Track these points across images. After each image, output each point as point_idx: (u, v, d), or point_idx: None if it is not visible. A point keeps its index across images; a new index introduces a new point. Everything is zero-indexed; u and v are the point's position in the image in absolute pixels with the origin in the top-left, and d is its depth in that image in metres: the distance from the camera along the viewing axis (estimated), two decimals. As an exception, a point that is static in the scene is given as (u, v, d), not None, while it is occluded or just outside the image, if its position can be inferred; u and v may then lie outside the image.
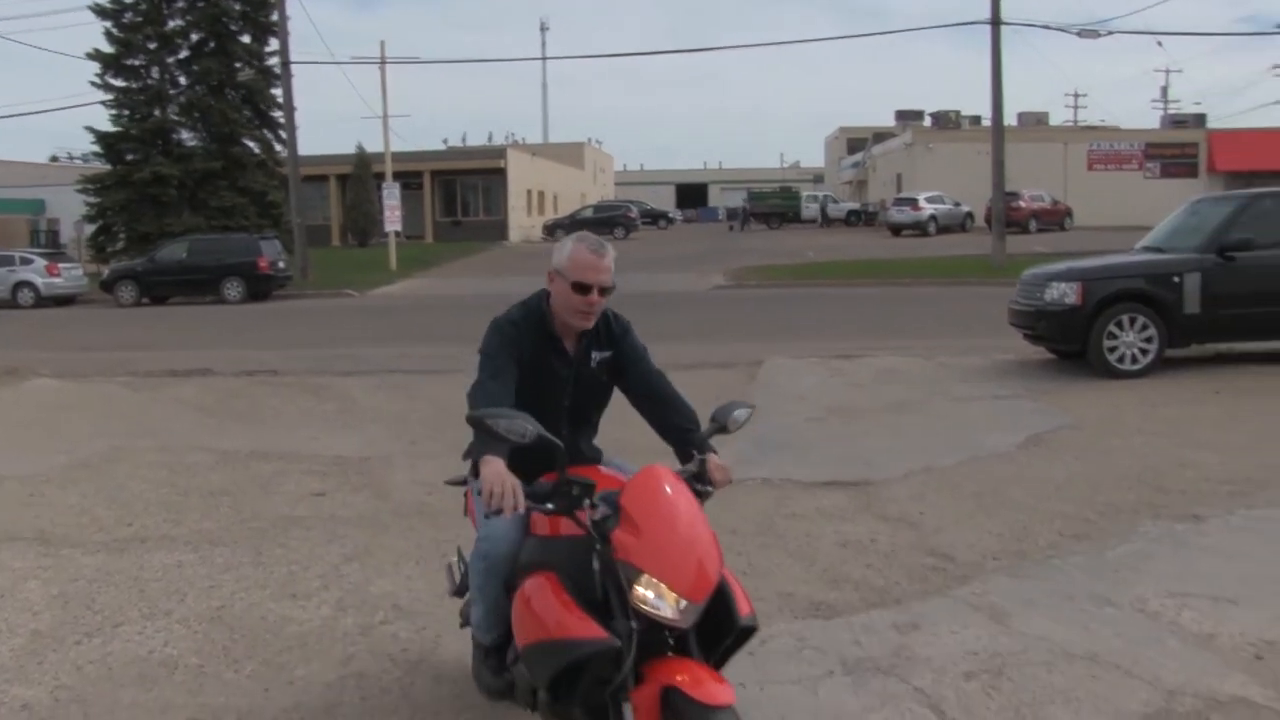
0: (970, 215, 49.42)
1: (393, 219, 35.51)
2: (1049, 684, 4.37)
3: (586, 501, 3.17)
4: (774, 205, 65.18)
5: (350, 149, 53.50)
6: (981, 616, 5.09)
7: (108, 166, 38.17)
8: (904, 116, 68.47)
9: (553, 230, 57.59)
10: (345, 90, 77.13)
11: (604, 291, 3.66)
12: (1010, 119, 39.83)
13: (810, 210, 64.96)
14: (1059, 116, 73.48)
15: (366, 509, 7.25)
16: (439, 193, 58.84)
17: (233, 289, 28.25)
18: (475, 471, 3.43)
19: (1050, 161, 55.13)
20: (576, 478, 3.18)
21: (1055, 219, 48.80)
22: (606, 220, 57.57)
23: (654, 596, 2.92)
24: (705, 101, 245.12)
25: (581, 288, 3.62)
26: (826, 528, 6.56)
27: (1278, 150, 55.10)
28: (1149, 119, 73.49)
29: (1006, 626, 4.97)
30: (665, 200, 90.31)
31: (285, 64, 33.94)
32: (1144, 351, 11.77)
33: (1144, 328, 11.77)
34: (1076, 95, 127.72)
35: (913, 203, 48.94)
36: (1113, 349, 11.76)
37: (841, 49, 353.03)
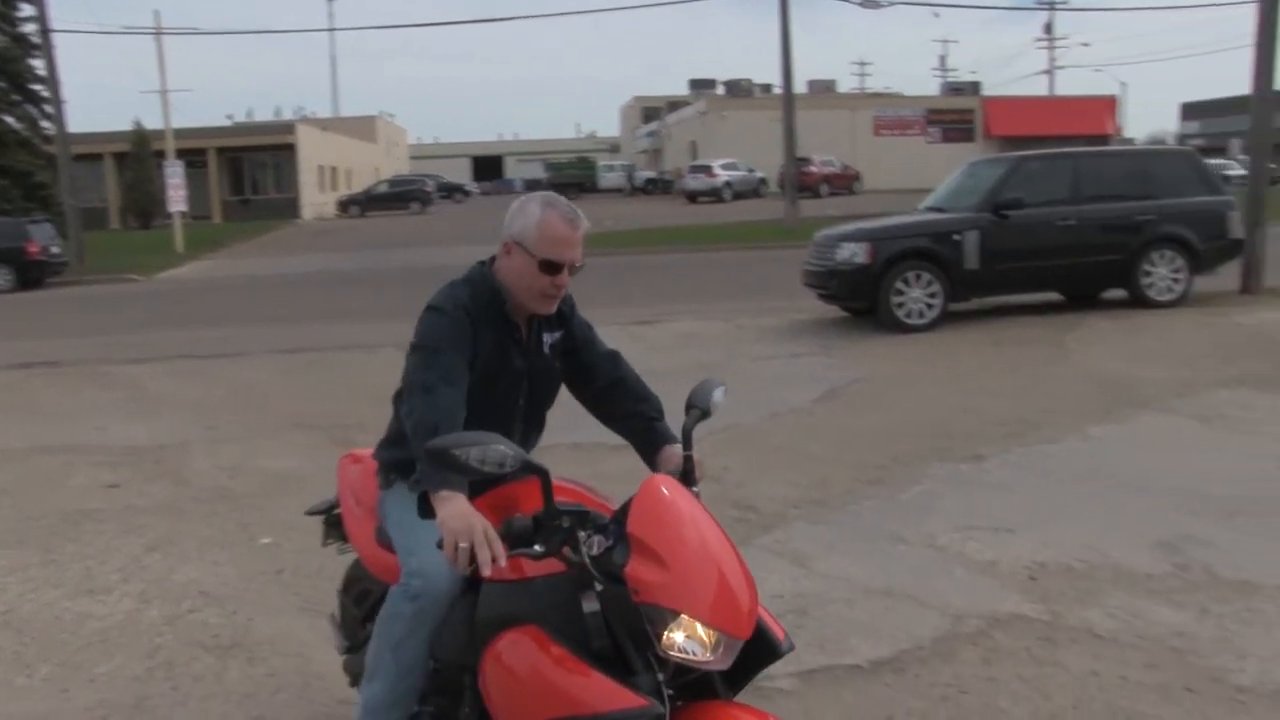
0: (764, 181, 50.71)
1: (177, 199, 33.90)
2: (850, 618, 4.63)
3: (581, 534, 2.52)
4: (571, 175, 65.34)
5: (128, 125, 50.71)
6: (785, 562, 5.32)
7: None
8: (698, 85, 69.68)
9: (346, 206, 56.34)
10: (118, 63, 74.05)
11: (573, 270, 2.97)
12: (800, 87, 40.83)
13: (609, 179, 65.39)
14: (847, 84, 76.01)
15: (165, 497, 7.02)
16: (226, 170, 56.65)
17: (1, 277, 26.62)
18: (423, 510, 2.71)
19: (839, 128, 57.00)
20: (567, 506, 2.56)
21: (845, 183, 50.57)
22: (402, 195, 56.80)
23: (684, 639, 2.34)
24: (499, 73, 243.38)
25: (551, 266, 2.91)
26: (636, 488, 6.68)
27: (1045, 116, 58.74)
28: (930, 86, 76.62)
29: (809, 569, 5.22)
30: (461, 173, 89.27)
31: (45, 32, 31.34)
32: (929, 306, 12.40)
33: (929, 284, 12.40)
34: (863, 64, 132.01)
35: (708, 170, 49.86)
36: (900, 305, 12.35)
37: (635, 18, 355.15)
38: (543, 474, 2.46)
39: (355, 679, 3.49)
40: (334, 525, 3.73)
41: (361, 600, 3.50)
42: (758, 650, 2.55)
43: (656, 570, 2.38)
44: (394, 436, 3.14)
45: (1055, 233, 12.73)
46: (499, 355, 2.98)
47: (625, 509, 2.54)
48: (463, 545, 2.41)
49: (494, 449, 2.37)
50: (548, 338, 3.12)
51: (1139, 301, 13.10)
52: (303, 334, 14.24)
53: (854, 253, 12.48)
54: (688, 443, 2.91)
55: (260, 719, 4.04)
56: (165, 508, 6.78)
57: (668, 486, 2.57)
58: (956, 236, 12.49)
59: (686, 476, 2.84)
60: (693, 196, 49.16)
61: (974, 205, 12.87)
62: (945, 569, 5.16)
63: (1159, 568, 5.07)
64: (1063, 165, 13.46)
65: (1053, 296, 14.00)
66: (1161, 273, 13.10)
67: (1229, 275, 14.01)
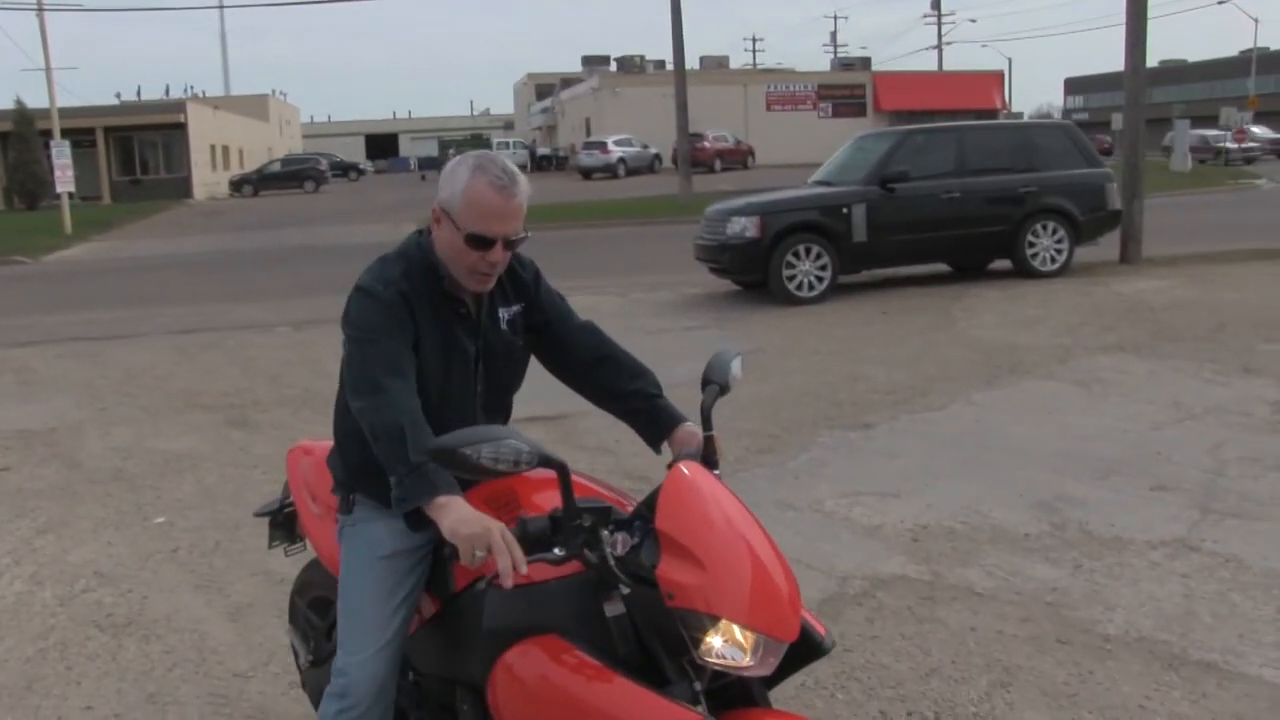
0: (658, 157, 50.95)
1: (64, 179, 32.85)
2: (740, 583, 4.75)
3: (604, 533, 2.27)
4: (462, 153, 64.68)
5: (8, 104, 48.98)
6: (679, 530, 5.43)
7: None
8: (590, 62, 69.41)
9: (240, 186, 55.21)
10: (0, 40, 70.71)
11: (510, 244, 2.57)
12: (693, 63, 41.19)
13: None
14: (739, 60, 76.50)
15: (57, 480, 6.90)
16: (115, 150, 55.00)
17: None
18: (415, 522, 2.40)
19: (732, 103, 57.41)
20: (589, 502, 2.29)
21: (739, 158, 50.95)
22: (295, 174, 55.88)
23: (723, 644, 2.10)
24: (392, 51, 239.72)
25: (479, 240, 2.52)
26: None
27: (933, 91, 59.91)
28: (821, 62, 77.58)
29: (702, 536, 5.33)
30: (355, 152, 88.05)
31: (-80, 10, 30.42)
32: (819, 279, 12.66)
33: (818, 257, 12.64)
34: (755, 39, 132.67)
35: (602, 146, 49.85)
36: (791, 278, 12.58)
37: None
38: (561, 468, 2.20)
39: (316, 697, 3.24)
40: (280, 526, 3.50)
41: (322, 609, 3.26)
42: (798, 648, 2.30)
43: (692, 571, 2.13)
44: (343, 451, 2.82)
45: (941, 205, 13.07)
46: (444, 337, 2.63)
47: (650, 502, 2.30)
48: (480, 554, 2.16)
49: (507, 444, 2.12)
50: (504, 312, 2.75)
51: (1023, 272, 13.53)
52: (197, 315, 14.01)
53: (744, 227, 12.65)
54: (708, 422, 2.65)
55: (156, 695, 4.03)
56: (57, 490, 6.67)
57: (696, 474, 2.31)
58: (845, 210, 12.74)
59: (708, 460, 2.60)
60: (587, 173, 49.09)
61: (861, 179, 13.14)
62: (832, 533, 5.33)
63: (1036, 527, 5.30)
64: (947, 139, 13.81)
65: (941, 268, 14.39)
66: (1044, 243, 13.54)
67: (1109, 246, 14.53)
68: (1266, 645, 4.02)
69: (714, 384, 2.70)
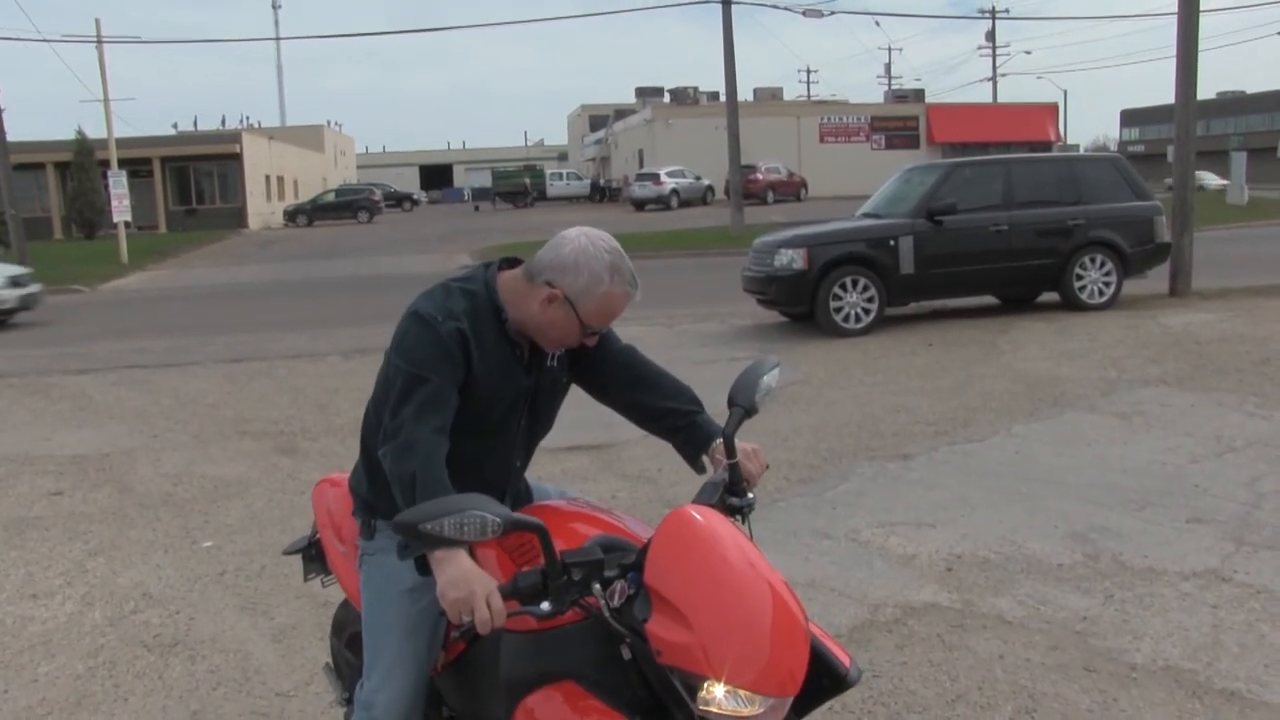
0: (710, 189, 51.12)
1: (120, 208, 33.58)
2: (772, 610, 4.81)
3: (595, 585, 2.21)
4: (518, 184, 65.06)
5: (69, 134, 50.01)
6: (714, 557, 5.50)
7: None
8: (644, 93, 69.86)
9: (294, 216, 56.05)
10: (59, 71, 73.09)
11: (596, 336, 2.65)
12: (746, 94, 41.49)
13: (557, 188, 65.12)
14: (793, 92, 76.65)
15: (109, 504, 7.09)
16: (171, 180, 56.09)
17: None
18: (423, 568, 2.43)
19: (785, 135, 57.54)
20: (577, 556, 2.21)
21: (791, 190, 51.01)
22: (349, 204, 56.61)
23: (726, 695, 2.05)
24: (447, 82, 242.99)
25: (595, 334, 2.62)
26: (571, 488, 6.83)
27: (987, 122, 59.70)
28: (875, 94, 77.72)
29: (736, 564, 5.39)
30: (409, 182, 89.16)
31: (-14, 42, 31.09)
32: (866, 311, 12.70)
33: (865, 289, 12.69)
34: (809, 71, 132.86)
35: (654, 178, 50.09)
36: (838, 309, 12.63)
37: (580, 26, 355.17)
38: (538, 530, 2.12)
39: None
40: (313, 560, 3.48)
41: (358, 647, 3.13)
42: (822, 679, 2.31)
43: (679, 629, 2.07)
44: (367, 466, 2.79)
45: (988, 238, 13.07)
46: (500, 375, 2.58)
47: (645, 553, 2.23)
48: (466, 618, 2.18)
49: (472, 515, 2.03)
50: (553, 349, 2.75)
51: (1071, 304, 13.48)
52: (247, 343, 14.29)
53: (791, 259, 12.73)
54: (731, 450, 2.54)
55: (200, 712, 4.16)
56: (109, 514, 6.86)
57: (692, 522, 2.21)
58: (892, 242, 12.78)
59: (734, 487, 2.53)
60: (640, 204, 49.36)
61: (909, 211, 13.18)
62: (867, 562, 5.38)
63: (1070, 557, 5.31)
64: (995, 171, 13.81)
65: (989, 300, 14.37)
66: (1093, 276, 13.48)
67: (1158, 279, 14.43)
68: (1292, 677, 4.02)
69: (739, 407, 2.59)
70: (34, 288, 19.15)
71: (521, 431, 2.75)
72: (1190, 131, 15.07)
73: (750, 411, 2.60)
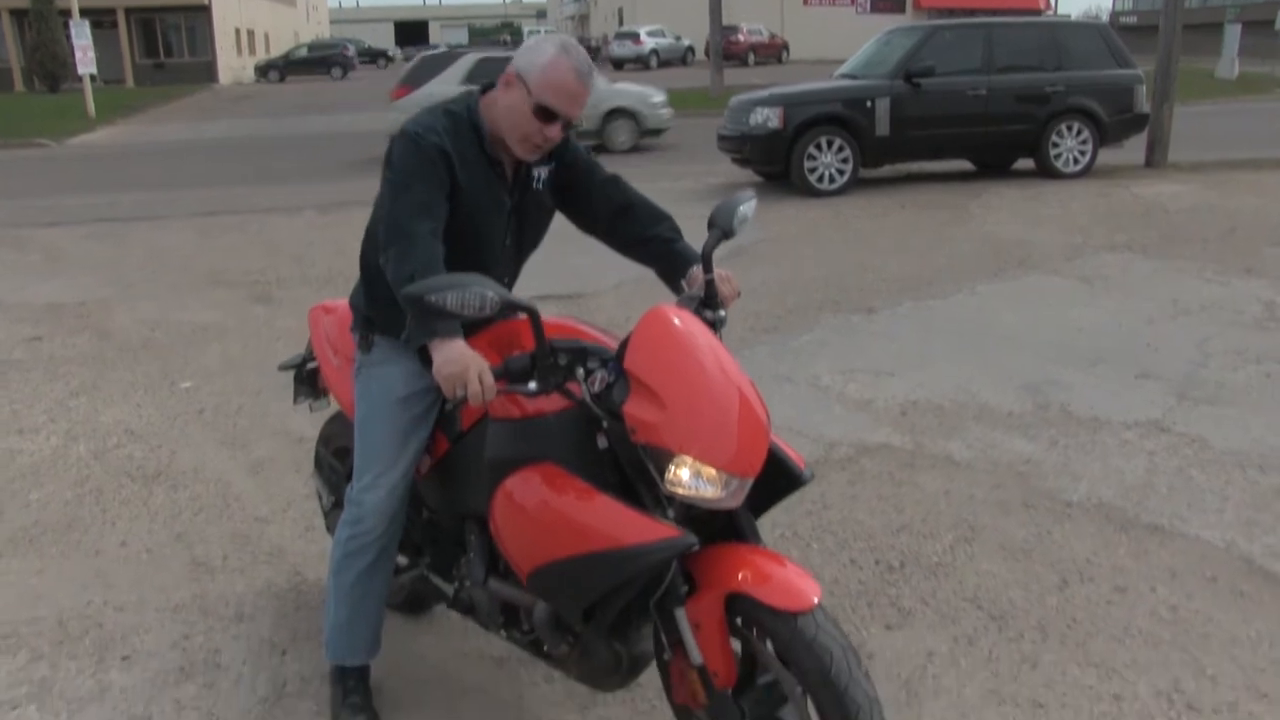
0: (690, 49, 50.24)
1: (85, 60, 32.66)
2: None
3: (579, 370, 2.45)
4: (493, 42, 63.80)
5: (27, -19, 48.25)
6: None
7: None
8: (626, -50, 68.14)
9: (266, 71, 54.85)
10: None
11: (566, 127, 2.73)
12: (728, -47, 40.31)
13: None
14: (775, -48, 74.75)
15: (88, 348, 7.21)
16: (137, 32, 54.55)
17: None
18: (425, 359, 2.54)
19: (768, -3, 56.39)
20: (563, 342, 2.48)
21: (773, 52, 50.26)
22: (322, 60, 55.49)
23: (690, 476, 2.28)
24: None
25: (546, 113, 2.66)
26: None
27: (976, -12, 58.38)
28: (860, -45, 75.73)
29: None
30: (384, 39, 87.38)
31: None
32: (840, 172, 12.75)
33: (840, 149, 12.72)
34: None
35: (634, 37, 49.20)
36: (812, 170, 12.68)
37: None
38: (530, 312, 2.32)
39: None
40: (304, 382, 3.71)
41: (345, 458, 3.46)
42: (778, 480, 2.51)
43: (653, 409, 2.29)
44: (366, 283, 2.96)
45: (966, 101, 13.05)
46: (482, 193, 2.76)
47: (626, 343, 2.44)
48: (460, 392, 2.34)
49: (473, 291, 2.22)
50: (538, 171, 2.88)
51: (1046, 172, 13.54)
52: (222, 198, 14.23)
53: (767, 117, 12.71)
54: (708, 265, 2.73)
55: (183, 534, 4.37)
56: (88, 357, 6.99)
57: (671, 316, 2.42)
58: (869, 103, 12.76)
59: (709, 300, 2.70)
60: (619, 64, 48.53)
61: (887, 73, 13.12)
62: (825, 406, 5.60)
63: (1020, 407, 5.54)
64: (975, 35, 13.67)
65: (963, 165, 14.42)
66: (1068, 144, 13.51)
67: (1136, 150, 14.47)
68: (1209, 512, 4.30)
69: (717, 228, 2.76)
70: None
71: (508, 250, 2.92)
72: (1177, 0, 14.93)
73: (728, 233, 2.77)
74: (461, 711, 3.17)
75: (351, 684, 3.10)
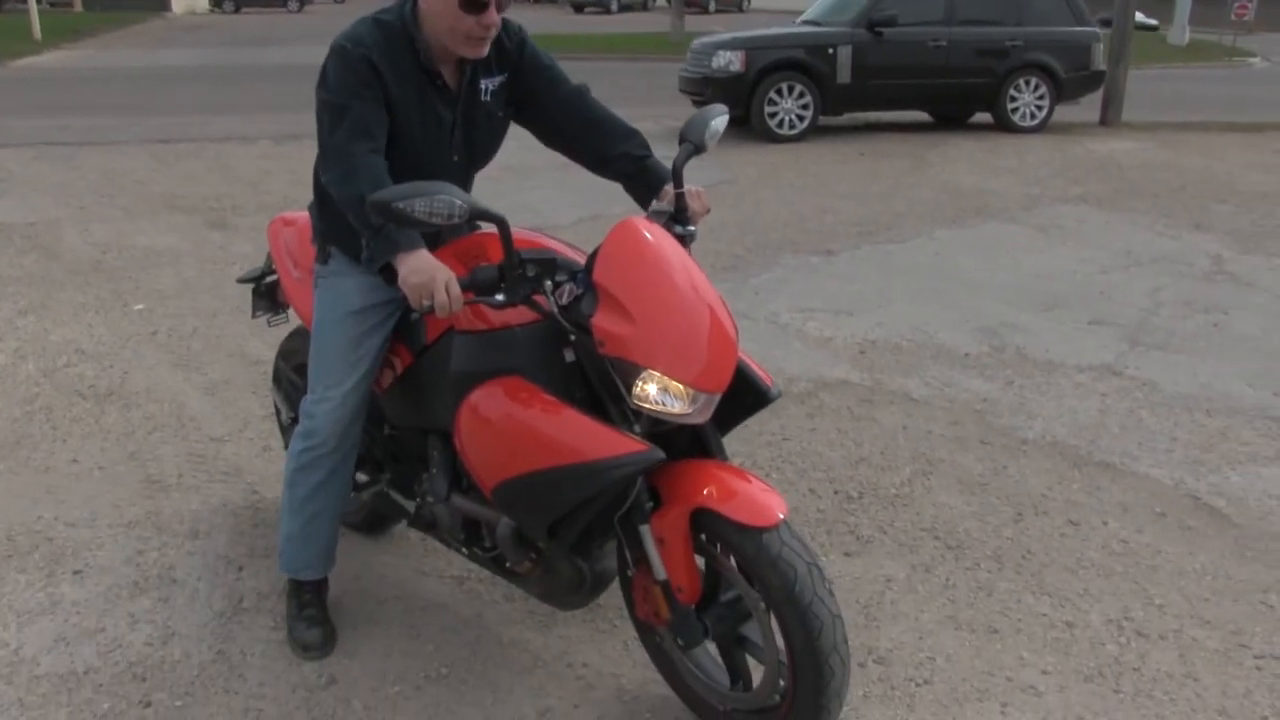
0: (652, -6, 49.87)
1: (32, -19, 31.91)
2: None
3: (547, 282, 2.40)
4: None
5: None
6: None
7: None
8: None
9: (220, 1, 53.75)
10: None
11: (501, 7, 2.56)
12: (690, -103, 39.89)
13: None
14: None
15: (37, 269, 7.06)
16: (86, -45, 53.20)
17: None
18: (389, 276, 2.46)
19: (730, -57, 55.77)
20: (532, 253, 2.40)
21: (734, 1, 49.89)
22: (278, -10, 54.34)
23: (658, 391, 2.25)
24: None
25: (473, 4, 2.50)
26: None
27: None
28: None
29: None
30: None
31: None
32: (800, 118, 12.71)
33: (801, 95, 12.67)
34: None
35: (595, -20, 48.77)
36: (773, 114, 12.64)
37: None
38: (499, 221, 2.25)
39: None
40: (263, 295, 3.66)
41: (304, 373, 3.33)
42: (746, 396, 2.50)
43: (622, 322, 2.26)
44: (319, 198, 2.88)
45: (926, 52, 13.03)
46: (418, 106, 2.64)
47: (595, 255, 2.40)
48: (426, 302, 2.30)
49: (440, 199, 2.17)
50: (486, 83, 2.74)
51: (1003, 125, 13.59)
52: (176, 125, 13.95)
53: (729, 60, 12.64)
54: (678, 180, 2.66)
55: (137, 453, 4.31)
56: (37, 277, 6.85)
57: (641, 229, 2.37)
58: (830, 50, 12.72)
59: (679, 215, 2.65)
60: (579, 7, 48.16)
61: (850, 21, 13.06)
62: (784, 342, 5.62)
63: (977, 348, 5.59)
64: (938, -13, 13.66)
65: (922, 117, 14.44)
66: (1026, 99, 13.55)
67: (1090, 109, 14.56)
68: (1159, 451, 4.39)
69: (689, 143, 2.68)
70: None
71: (458, 165, 2.81)
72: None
73: (699, 148, 2.69)
74: (420, 629, 3.17)
75: (307, 598, 3.09)
